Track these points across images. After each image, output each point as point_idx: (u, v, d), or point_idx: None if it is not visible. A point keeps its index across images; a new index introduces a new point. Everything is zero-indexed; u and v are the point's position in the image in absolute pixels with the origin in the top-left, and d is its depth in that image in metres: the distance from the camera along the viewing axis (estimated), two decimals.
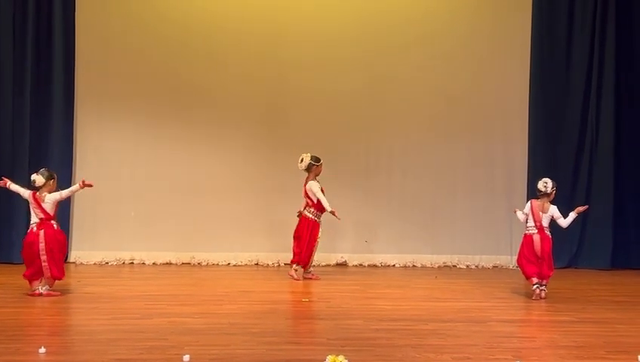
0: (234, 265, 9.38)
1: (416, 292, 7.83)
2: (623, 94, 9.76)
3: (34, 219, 7.07)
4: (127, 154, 9.51)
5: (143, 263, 9.33)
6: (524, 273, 7.52)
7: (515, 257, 9.44)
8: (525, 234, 7.53)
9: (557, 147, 9.73)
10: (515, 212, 7.69)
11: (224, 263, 9.40)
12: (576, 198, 9.66)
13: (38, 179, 7.08)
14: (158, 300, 6.98)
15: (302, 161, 8.34)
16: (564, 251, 9.28)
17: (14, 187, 7.16)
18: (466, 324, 6.21)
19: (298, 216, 8.39)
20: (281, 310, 6.89)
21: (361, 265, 9.59)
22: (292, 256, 8.39)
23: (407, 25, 9.75)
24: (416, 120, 9.77)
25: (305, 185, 8.34)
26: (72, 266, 9.10)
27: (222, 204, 9.51)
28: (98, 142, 9.45)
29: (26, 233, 7.20)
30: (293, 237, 8.36)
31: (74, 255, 9.32)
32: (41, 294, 6.96)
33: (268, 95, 9.63)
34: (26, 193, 7.12)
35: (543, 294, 7.33)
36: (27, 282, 7.08)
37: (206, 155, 9.58)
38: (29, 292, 7.02)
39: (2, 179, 7.14)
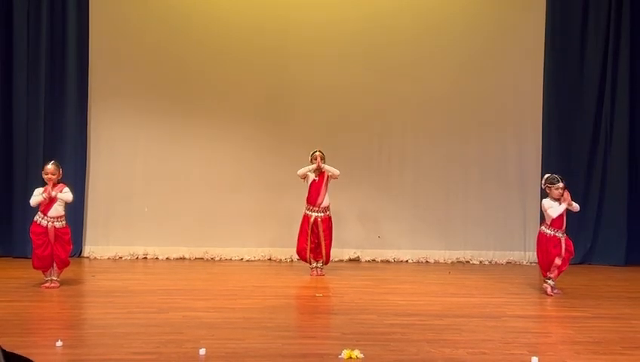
0: (247, 260, 9.38)
1: (430, 288, 7.82)
2: (638, 90, 9.69)
3: None
4: (141, 149, 9.53)
5: (157, 258, 9.35)
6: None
7: (529, 253, 9.52)
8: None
9: (571, 142, 9.66)
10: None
11: (237, 258, 9.41)
12: (590, 194, 9.63)
13: None
14: (172, 294, 7.01)
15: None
16: (578, 247, 9.15)
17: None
18: (481, 319, 6.20)
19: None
20: (296, 305, 6.91)
21: (373, 260, 9.57)
22: (322, 256, 8.40)
23: (419, 20, 9.70)
24: (428, 114, 9.73)
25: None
26: (86, 261, 9.15)
27: (235, 199, 9.52)
28: (111, 138, 9.47)
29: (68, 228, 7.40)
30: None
31: (88, 250, 9.37)
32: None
33: (279, 90, 9.61)
34: None
35: None
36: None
37: (219, 150, 9.59)
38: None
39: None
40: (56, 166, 7.30)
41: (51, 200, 7.17)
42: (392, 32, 9.67)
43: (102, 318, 6.09)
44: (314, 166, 8.26)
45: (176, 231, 9.41)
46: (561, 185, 7.40)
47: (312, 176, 8.31)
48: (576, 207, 7.47)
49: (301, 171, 8.29)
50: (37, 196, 7.19)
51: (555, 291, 7.38)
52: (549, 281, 7.39)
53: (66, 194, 7.24)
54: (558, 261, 7.34)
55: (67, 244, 7.31)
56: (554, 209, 7.35)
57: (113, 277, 8.08)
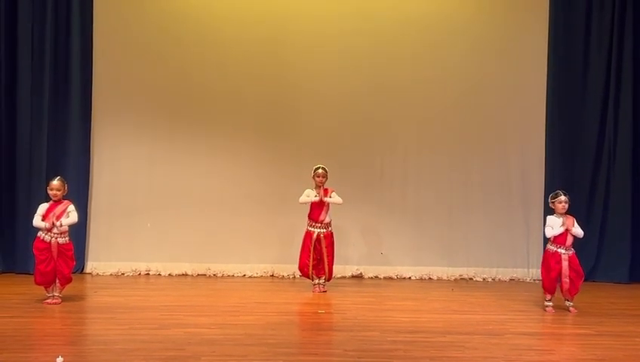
0: (249, 277, 9.36)
1: (433, 305, 7.78)
2: None
3: None
4: (143, 165, 9.53)
5: (159, 274, 9.33)
6: None
7: (533, 270, 9.50)
8: None
9: (574, 159, 9.65)
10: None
11: (239, 274, 9.39)
12: (593, 211, 9.61)
13: None
14: (174, 311, 6.99)
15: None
16: (582, 265, 9.13)
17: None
18: (484, 337, 6.17)
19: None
20: (298, 321, 6.88)
21: (376, 277, 9.54)
22: (324, 272, 8.36)
23: (421, 37, 9.72)
24: (431, 130, 9.72)
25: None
26: (88, 277, 9.13)
27: (237, 215, 9.51)
28: (114, 154, 9.47)
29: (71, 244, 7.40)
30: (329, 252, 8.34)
31: (90, 265, 9.35)
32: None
33: (281, 107, 9.62)
34: None
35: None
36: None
37: (221, 167, 9.59)
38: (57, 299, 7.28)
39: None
40: (62, 182, 7.31)
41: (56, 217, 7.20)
42: (394, 48, 9.69)
43: (103, 334, 6.07)
44: (317, 199, 8.23)
45: (178, 247, 9.40)
46: (563, 198, 7.42)
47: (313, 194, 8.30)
48: (579, 233, 7.46)
49: (303, 200, 8.25)
50: (39, 220, 7.18)
51: (551, 309, 7.44)
52: (567, 302, 7.45)
53: (71, 218, 7.24)
54: (566, 282, 7.35)
55: (70, 260, 7.31)
56: (551, 229, 7.40)
57: (115, 293, 8.06)
